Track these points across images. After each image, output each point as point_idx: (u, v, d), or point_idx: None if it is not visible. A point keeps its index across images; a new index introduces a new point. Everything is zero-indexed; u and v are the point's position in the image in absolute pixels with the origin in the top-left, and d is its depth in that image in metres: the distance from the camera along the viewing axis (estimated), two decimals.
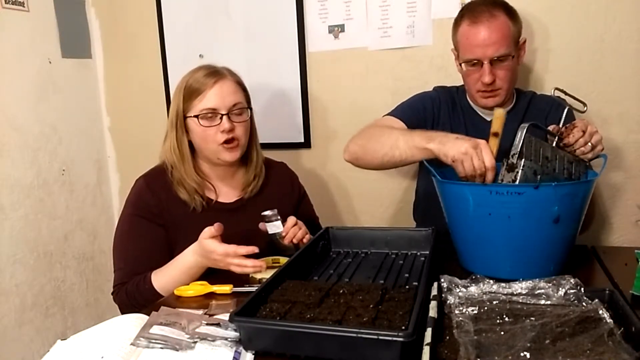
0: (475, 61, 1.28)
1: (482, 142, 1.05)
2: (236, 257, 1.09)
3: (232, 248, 1.09)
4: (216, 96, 1.22)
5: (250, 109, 1.32)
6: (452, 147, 1.08)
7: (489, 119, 1.36)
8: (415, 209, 1.66)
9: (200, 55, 1.92)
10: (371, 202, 1.85)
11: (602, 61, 1.51)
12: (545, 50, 1.56)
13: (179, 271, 1.15)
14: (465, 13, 1.32)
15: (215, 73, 1.24)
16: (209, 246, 1.10)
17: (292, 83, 1.83)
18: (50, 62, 1.89)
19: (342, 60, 1.77)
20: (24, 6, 1.77)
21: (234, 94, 1.25)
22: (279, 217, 1.23)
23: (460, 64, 1.34)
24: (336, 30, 1.76)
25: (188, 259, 1.15)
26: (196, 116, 1.23)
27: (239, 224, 1.22)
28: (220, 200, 1.32)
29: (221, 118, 1.22)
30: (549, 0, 1.54)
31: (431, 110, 1.42)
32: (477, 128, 1.37)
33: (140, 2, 1.99)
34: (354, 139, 1.36)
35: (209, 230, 1.11)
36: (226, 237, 1.13)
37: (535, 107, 1.39)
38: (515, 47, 1.31)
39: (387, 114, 1.42)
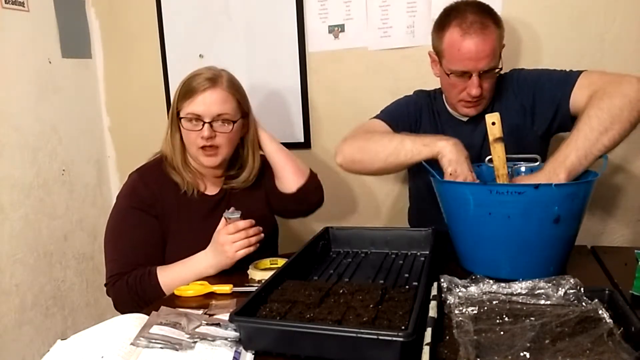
0: (464, 72, 1.26)
1: (459, 173, 1.10)
2: (237, 231, 1.14)
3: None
4: (203, 103, 1.23)
5: (245, 118, 1.32)
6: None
7: (465, 120, 1.38)
8: (409, 215, 1.67)
9: (200, 55, 1.92)
10: (371, 202, 1.86)
11: (602, 61, 1.51)
12: (545, 50, 1.56)
13: (191, 272, 1.16)
14: (453, 19, 1.25)
15: (211, 79, 1.24)
16: (218, 231, 1.16)
17: (292, 83, 1.83)
18: (50, 62, 1.89)
19: (342, 60, 1.77)
20: (24, 6, 1.77)
21: (222, 104, 1.24)
22: (239, 219, 1.18)
23: (446, 73, 1.29)
24: (336, 30, 1.76)
25: (203, 261, 1.17)
26: (181, 118, 1.25)
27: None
28: (208, 192, 1.34)
29: (203, 125, 1.23)
30: (550, 0, 1.54)
31: (414, 114, 1.42)
32: (455, 130, 1.36)
33: (140, 2, 1.99)
34: (348, 141, 1.32)
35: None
36: (213, 229, 1.18)
37: (500, 92, 1.36)
38: (500, 57, 1.29)
39: (373, 117, 1.42)
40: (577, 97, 1.20)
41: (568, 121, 1.24)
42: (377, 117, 1.42)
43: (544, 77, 1.29)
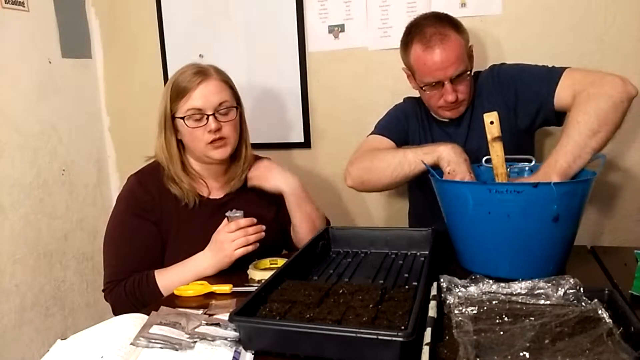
0: (436, 82, 1.29)
1: (457, 172, 1.14)
2: (238, 229, 1.14)
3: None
4: (201, 97, 1.22)
5: (240, 106, 1.32)
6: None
7: (453, 119, 1.39)
8: (409, 216, 1.68)
9: (200, 55, 1.92)
10: (371, 202, 1.86)
11: (602, 61, 1.51)
12: (545, 50, 1.56)
13: (190, 273, 1.16)
14: (414, 36, 1.31)
15: (200, 73, 1.24)
16: (218, 230, 1.16)
17: (292, 83, 1.83)
18: (50, 62, 1.89)
19: (342, 60, 1.77)
20: (24, 6, 1.77)
21: (219, 93, 1.24)
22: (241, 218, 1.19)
23: (421, 87, 1.35)
24: (336, 30, 1.76)
25: (202, 261, 1.17)
26: (183, 117, 1.23)
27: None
28: (211, 196, 1.32)
29: (207, 118, 1.23)
30: (549, 1, 1.54)
31: (405, 121, 1.47)
32: (443, 132, 1.43)
33: (140, 2, 1.99)
34: (354, 163, 1.35)
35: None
36: (212, 234, 1.18)
37: (480, 88, 1.38)
38: (469, 59, 1.32)
39: (372, 133, 1.45)
40: (561, 95, 1.21)
41: (552, 116, 1.27)
42: (373, 132, 1.45)
43: (526, 73, 1.31)
